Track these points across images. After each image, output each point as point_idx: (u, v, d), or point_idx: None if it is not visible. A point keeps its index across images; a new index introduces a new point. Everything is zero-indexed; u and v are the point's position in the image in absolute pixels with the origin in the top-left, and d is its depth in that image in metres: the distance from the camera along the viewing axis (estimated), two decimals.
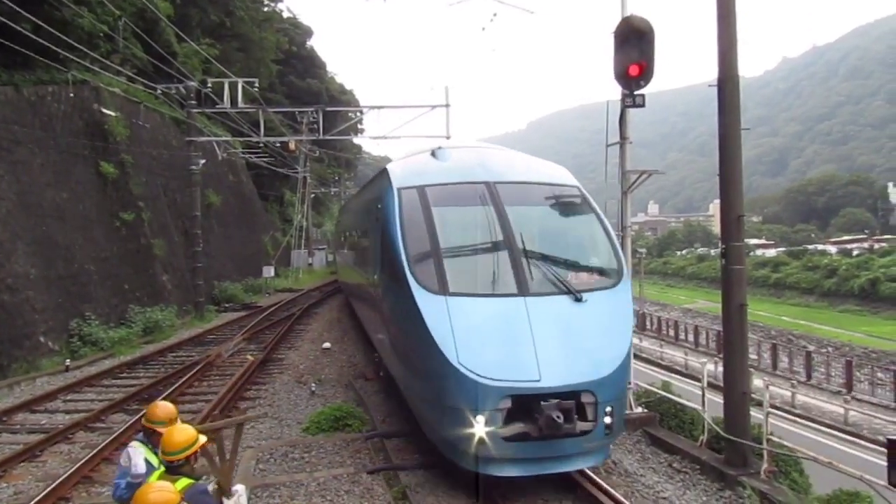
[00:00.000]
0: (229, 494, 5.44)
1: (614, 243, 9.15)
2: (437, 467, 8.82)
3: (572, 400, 7.27)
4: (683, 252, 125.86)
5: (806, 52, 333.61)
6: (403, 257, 8.31)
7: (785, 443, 9.34)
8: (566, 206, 9.57)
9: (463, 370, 7.27)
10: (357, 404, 12.74)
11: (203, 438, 4.87)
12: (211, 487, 5.32)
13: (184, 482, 4.43)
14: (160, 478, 4.50)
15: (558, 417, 7.02)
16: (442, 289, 7.86)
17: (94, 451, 9.64)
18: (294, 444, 10.60)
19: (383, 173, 10.81)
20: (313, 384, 14.58)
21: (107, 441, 10.10)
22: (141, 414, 11.44)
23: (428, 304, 7.75)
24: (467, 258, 8.55)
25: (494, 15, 21.07)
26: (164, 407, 5.41)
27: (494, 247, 8.38)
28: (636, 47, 10.51)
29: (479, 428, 7.16)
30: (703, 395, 10.43)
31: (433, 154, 10.51)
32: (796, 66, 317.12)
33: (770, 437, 9.16)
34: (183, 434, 4.69)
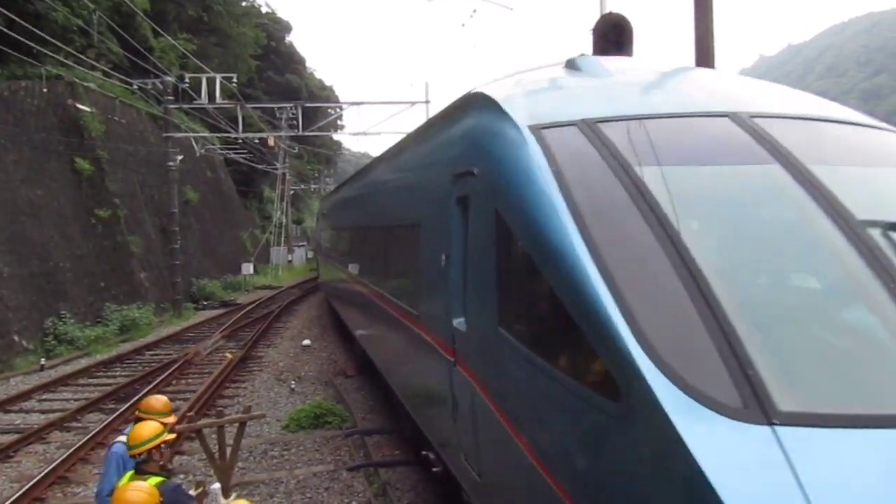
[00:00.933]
0: (228, 495, 5.42)
1: None
2: (417, 464, 8.82)
3: None
4: None
5: (782, 50, 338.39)
6: (605, 305, 2.90)
7: None
8: None
9: None
10: (337, 401, 12.71)
11: (168, 434, 4.92)
12: (193, 492, 5.30)
13: (155, 480, 4.44)
14: (132, 479, 4.51)
15: None
16: (755, 405, 2.43)
17: (70, 451, 9.51)
18: (273, 442, 10.56)
19: (474, 102, 5.36)
20: (293, 382, 14.51)
21: (83, 441, 9.98)
22: (118, 413, 11.40)
23: (723, 455, 2.34)
24: (786, 308, 3.17)
25: (474, 11, 21.14)
26: (159, 399, 5.55)
27: (834, 270, 3.26)
28: (615, 44, 10.53)
29: None
30: None
31: (573, 66, 5.30)
32: (773, 64, 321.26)
33: None
34: (148, 427, 4.74)
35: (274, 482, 8.86)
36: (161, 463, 4.74)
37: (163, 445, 4.77)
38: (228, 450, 6.35)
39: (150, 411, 5.30)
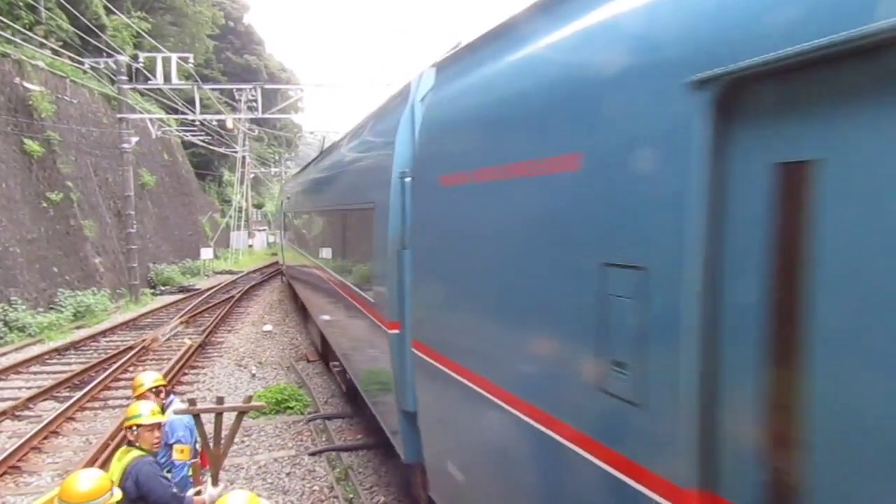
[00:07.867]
0: (216, 483, 5.43)
1: None
2: (380, 448, 8.84)
3: None
4: None
5: None
6: None
7: None
8: None
9: None
10: (299, 386, 12.64)
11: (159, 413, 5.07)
12: (191, 492, 5.27)
13: (136, 453, 4.68)
14: (123, 452, 4.75)
15: None
16: None
17: (23, 441, 9.29)
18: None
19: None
20: (254, 367, 14.38)
21: (36, 430, 9.75)
22: (72, 401, 11.15)
23: None
24: None
25: None
26: (149, 375, 6.10)
27: None
28: None
29: None
30: None
31: None
32: None
33: None
34: (145, 406, 4.95)
35: (234, 468, 8.78)
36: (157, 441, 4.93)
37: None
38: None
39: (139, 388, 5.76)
